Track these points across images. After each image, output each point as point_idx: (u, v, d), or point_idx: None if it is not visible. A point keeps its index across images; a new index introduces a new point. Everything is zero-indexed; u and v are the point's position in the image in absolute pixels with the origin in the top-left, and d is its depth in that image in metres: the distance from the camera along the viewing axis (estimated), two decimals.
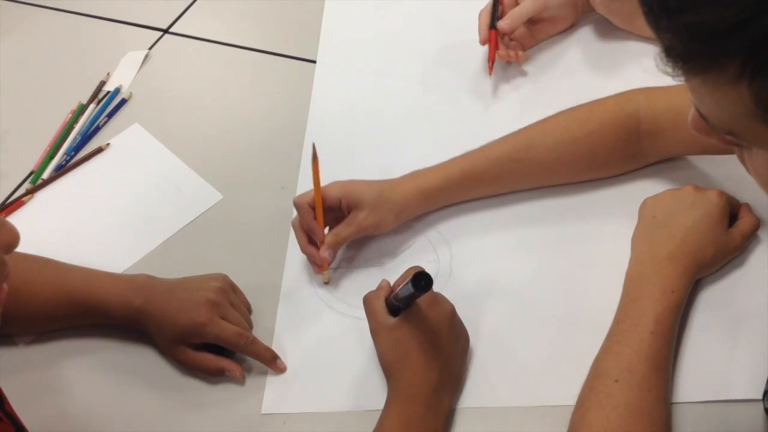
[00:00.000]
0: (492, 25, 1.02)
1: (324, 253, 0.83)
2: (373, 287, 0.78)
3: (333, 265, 0.88)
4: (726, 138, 0.50)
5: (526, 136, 0.87)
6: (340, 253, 0.88)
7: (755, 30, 0.41)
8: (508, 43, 1.05)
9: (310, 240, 0.85)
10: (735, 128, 0.48)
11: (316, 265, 0.85)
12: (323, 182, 0.82)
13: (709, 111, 0.49)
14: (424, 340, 0.71)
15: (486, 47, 1.04)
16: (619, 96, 0.86)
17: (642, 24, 1.07)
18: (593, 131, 0.85)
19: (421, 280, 0.67)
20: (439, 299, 0.75)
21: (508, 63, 1.05)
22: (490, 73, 1.04)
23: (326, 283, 0.86)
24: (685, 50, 0.45)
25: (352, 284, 0.86)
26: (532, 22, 1.05)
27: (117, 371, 0.82)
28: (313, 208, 0.83)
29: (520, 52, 1.03)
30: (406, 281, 0.70)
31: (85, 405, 0.80)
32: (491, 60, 1.03)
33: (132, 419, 0.79)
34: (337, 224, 0.85)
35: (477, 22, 1.04)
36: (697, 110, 0.50)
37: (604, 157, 0.86)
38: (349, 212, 0.85)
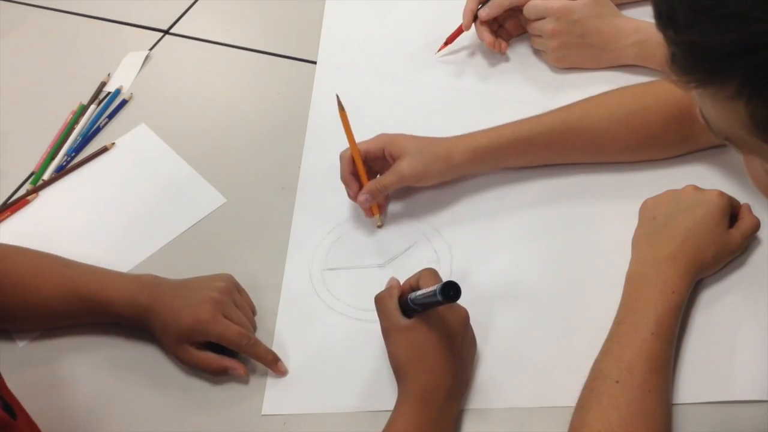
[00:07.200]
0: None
1: (361, 197, 0.87)
2: (373, 287, 0.77)
3: (333, 264, 0.88)
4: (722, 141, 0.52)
5: (580, 106, 0.88)
6: (339, 254, 0.88)
7: (753, 58, 0.43)
8: (497, 29, 1.07)
9: (358, 188, 0.88)
10: (731, 137, 0.50)
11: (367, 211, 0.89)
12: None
13: (709, 117, 0.51)
14: (440, 343, 0.71)
15: (489, 42, 1.05)
16: None
17: (610, 57, 1.06)
18: (648, 106, 0.85)
19: (450, 289, 0.65)
20: (453, 304, 0.74)
21: (501, 53, 1.07)
22: (438, 50, 1.09)
23: (379, 227, 0.90)
24: (687, 64, 0.47)
25: (353, 284, 0.86)
26: (520, 11, 1.06)
27: (120, 370, 0.83)
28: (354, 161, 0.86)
29: (504, 43, 1.06)
30: (432, 289, 0.68)
31: (87, 403, 0.80)
32: (448, 42, 1.09)
33: (132, 418, 0.79)
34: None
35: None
36: (700, 110, 0.52)
37: (656, 134, 0.86)
38: (394, 162, 0.87)
